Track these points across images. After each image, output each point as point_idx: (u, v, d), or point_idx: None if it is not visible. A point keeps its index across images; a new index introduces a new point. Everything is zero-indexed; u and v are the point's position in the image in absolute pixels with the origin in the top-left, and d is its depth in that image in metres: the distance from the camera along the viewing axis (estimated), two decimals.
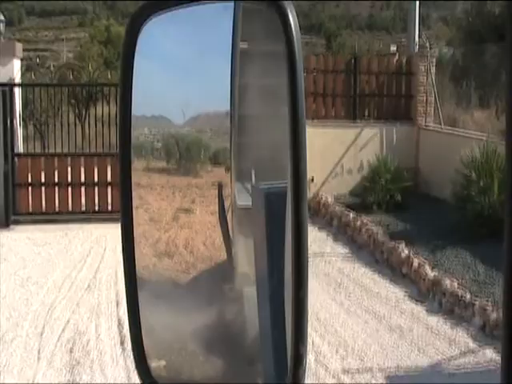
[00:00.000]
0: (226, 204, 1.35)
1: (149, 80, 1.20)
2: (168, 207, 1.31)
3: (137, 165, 1.25)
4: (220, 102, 1.30)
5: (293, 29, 0.91)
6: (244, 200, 1.29)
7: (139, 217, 1.21)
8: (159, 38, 1.18)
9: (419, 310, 7.47)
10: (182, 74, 1.26)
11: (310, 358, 6.25)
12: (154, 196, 1.29)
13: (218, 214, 1.36)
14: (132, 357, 1.12)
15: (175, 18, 1.12)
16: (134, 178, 1.14)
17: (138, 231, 1.19)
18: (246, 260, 1.27)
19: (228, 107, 1.31)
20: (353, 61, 13.46)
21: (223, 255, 1.36)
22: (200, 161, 1.43)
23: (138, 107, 1.16)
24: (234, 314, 1.31)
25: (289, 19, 0.92)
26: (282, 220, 0.99)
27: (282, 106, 0.95)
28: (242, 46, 1.34)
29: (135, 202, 1.14)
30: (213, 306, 1.30)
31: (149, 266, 1.26)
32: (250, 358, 1.18)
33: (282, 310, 0.99)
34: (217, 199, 1.37)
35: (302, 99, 0.92)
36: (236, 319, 1.30)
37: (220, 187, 1.36)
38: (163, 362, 1.22)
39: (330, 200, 11.90)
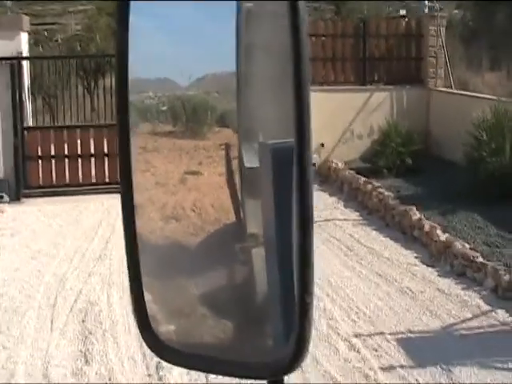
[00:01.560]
0: (234, 165, 1.32)
1: (150, 41, 1.17)
2: (175, 170, 1.29)
3: (142, 128, 1.24)
4: (226, 61, 1.26)
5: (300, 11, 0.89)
6: (252, 161, 1.26)
7: (146, 181, 1.21)
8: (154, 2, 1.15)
9: (430, 272, 7.44)
10: (185, 34, 1.22)
11: (322, 323, 6.25)
12: (160, 159, 1.27)
13: (225, 176, 1.34)
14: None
15: None
16: (140, 143, 1.12)
17: (144, 196, 1.18)
18: (255, 220, 1.25)
19: (234, 67, 1.27)
20: (362, 25, 13.28)
21: (232, 217, 1.32)
22: (207, 123, 1.40)
23: (141, 70, 1.13)
24: (244, 276, 1.28)
25: None
26: (289, 176, 0.97)
27: (290, 64, 0.94)
28: (248, 4, 1.30)
29: (141, 166, 1.13)
30: (221, 268, 1.29)
31: (156, 231, 1.26)
32: (260, 318, 1.16)
33: (291, 269, 0.98)
34: (224, 160, 1.35)
35: (306, 58, 0.90)
36: (245, 280, 1.28)
37: (227, 148, 1.34)
38: (172, 327, 1.22)
39: (340, 165, 11.83)
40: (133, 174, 1.11)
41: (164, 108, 1.31)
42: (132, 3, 1.08)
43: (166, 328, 1.28)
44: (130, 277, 1.12)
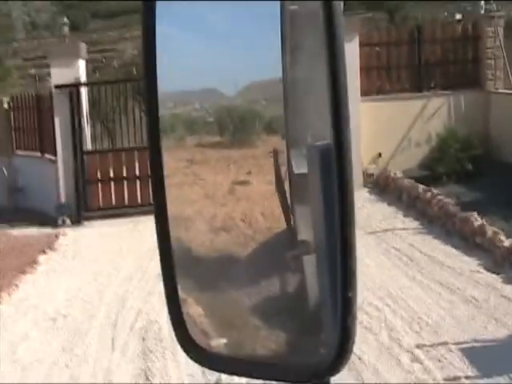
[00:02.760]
0: (283, 171, 1.31)
1: (190, 52, 1.14)
2: (223, 181, 1.27)
3: (189, 141, 1.23)
4: (271, 68, 1.23)
5: (335, 11, 0.87)
6: (301, 167, 1.24)
7: (194, 194, 1.19)
8: (190, 6, 1.11)
9: (495, 279, 7.19)
10: (229, 42, 1.19)
11: (384, 334, 6.11)
12: (208, 171, 1.25)
13: (274, 183, 1.32)
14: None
15: None
16: (187, 155, 1.09)
17: (193, 208, 1.17)
18: (305, 227, 1.23)
19: (280, 73, 1.25)
20: (416, 31, 13.07)
21: (282, 224, 1.32)
22: (255, 131, 1.38)
23: (185, 82, 1.11)
24: (296, 284, 1.27)
25: None
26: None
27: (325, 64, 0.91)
28: (292, 7, 1.28)
29: (189, 179, 1.11)
30: (273, 278, 1.27)
31: (205, 243, 1.24)
32: (311, 322, 1.15)
33: None
34: (273, 168, 1.33)
35: (342, 59, 0.88)
36: (297, 287, 1.27)
37: (276, 154, 1.32)
38: (224, 340, 1.19)
39: (398, 174, 11.63)
40: (167, 188, 1.07)
41: (211, 119, 1.27)
42: (162, 6, 1.03)
43: (217, 342, 1.25)
44: (166, 290, 1.09)
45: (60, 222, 11.58)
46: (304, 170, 1.18)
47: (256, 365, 1.06)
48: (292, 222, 1.32)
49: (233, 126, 1.34)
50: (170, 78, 1.08)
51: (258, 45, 1.19)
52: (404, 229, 9.47)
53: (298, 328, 1.18)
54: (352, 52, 11.86)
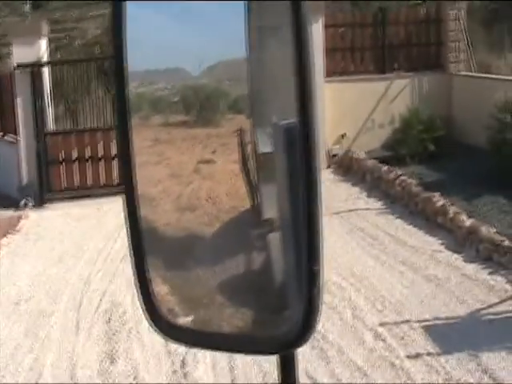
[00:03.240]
0: (248, 150, 1.32)
1: (158, 31, 1.14)
2: (189, 160, 1.27)
3: (155, 120, 1.22)
4: (237, 48, 1.23)
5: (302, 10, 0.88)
6: (266, 145, 1.26)
7: (159, 173, 1.19)
8: None
9: (456, 258, 7.32)
10: (195, 22, 1.18)
11: (348, 313, 6.19)
12: (173, 151, 1.26)
13: (239, 162, 1.33)
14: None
15: None
16: (153, 135, 1.10)
17: (158, 188, 1.17)
18: (271, 205, 1.25)
19: (245, 53, 1.25)
20: (380, 13, 13.12)
21: (247, 203, 1.33)
22: (220, 110, 1.39)
23: (151, 61, 1.10)
24: (261, 261, 1.27)
25: None
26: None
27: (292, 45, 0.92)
28: None
29: (154, 159, 1.11)
30: (239, 256, 1.27)
31: (171, 222, 1.24)
32: (275, 298, 1.15)
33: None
34: (238, 146, 1.33)
35: (307, 38, 0.88)
36: (263, 266, 1.27)
37: (241, 133, 1.32)
38: (190, 318, 1.20)
39: (362, 155, 11.72)
40: (136, 169, 1.08)
41: (176, 99, 1.29)
42: None
43: (184, 320, 1.25)
44: (135, 269, 1.09)
45: (22, 204, 11.41)
46: (269, 149, 1.19)
47: (223, 338, 1.06)
48: (257, 201, 1.33)
49: (198, 105, 1.35)
50: (134, 57, 1.06)
51: (223, 24, 1.19)
52: (368, 209, 9.57)
53: (265, 303, 1.18)
54: (316, 33, 11.87)
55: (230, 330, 1.17)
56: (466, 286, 6.57)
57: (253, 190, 1.33)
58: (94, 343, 6.09)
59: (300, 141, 0.89)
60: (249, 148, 1.32)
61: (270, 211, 1.25)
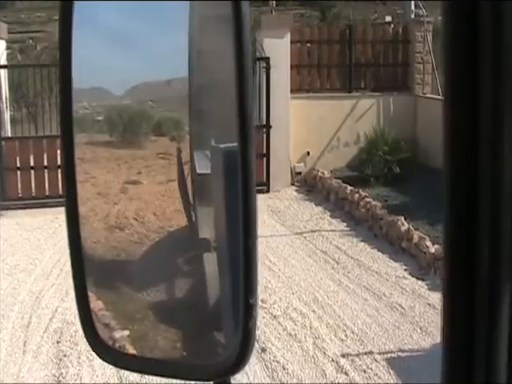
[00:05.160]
0: (186, 171, 1.34)
1: (86, 52, 1.15)
2: (115, 180, 1.29)
3: (79, 139, 1.21)
4: (161, 70, 1.23)
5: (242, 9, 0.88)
6: (204, 167, 1.27)
7: (87, 192, 1.19)
8: (99, 8, 1.12)
9: (420, 286, 7.19)
10: (125, 45, 1.19)
11: (309, 342, 5.99)
12: (99, 170, 1.27)
13: (169, 183, 1.35)
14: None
15: None
16: (78, 153, 1.10)
17: (86, 206, 1.16)
18: (207, 225, 1.27)
19: (168, 76, 1.27)
20: (347, 31, 13.05)
21: (176, 224, 1.35)
22: (143, 132, 1.42)
23: (75, 79, 1.09)
24: (195, 281, 1.30)
25: None
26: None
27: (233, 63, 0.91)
28: (201, 11, 1.29)
29: (81, 177, 1.12)
30: (173, 276, 1.29)
31: (100, 240, 1.26)
32: (210, 321, 1.17)
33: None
34: (163, 169, 1.36)
35: (248, 61, 0.89)
36: (197, 287, 1.29)
37: (179, 153, 1.34)
38: (126, 332, 1.28)
39: (326, 174, 11.58)
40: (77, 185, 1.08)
41: (99, 118, 1.32)
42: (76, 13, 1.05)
43: (120, 334, 1.40)
44: (76, 289, 1.09)
45: None
46: (207, 171, 1.20)
47: (159, 363, 1.08)
48: (193, 220, 1.34)
49: (122, 126, 1.41)
50: None
51: (148, 46, 1.20)
52: (331, 230, 9.41)
53: (200, 328, 1.20)
54: (283, 48, 11.75)
55: (167, 356, 1.22)
56: (430, 316, 6.42)
57: (189, 209, 1.34)
58: (42, 366, 5.77)
59: (239, 165, 0.89)
60: (186, 168, 1.33)
61: (207, 231, 1.27)
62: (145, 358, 1.12)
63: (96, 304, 1.12)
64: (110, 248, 1.28)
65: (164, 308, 1.25)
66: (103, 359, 1.07)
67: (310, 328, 6.22)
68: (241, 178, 0.89)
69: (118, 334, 1.26)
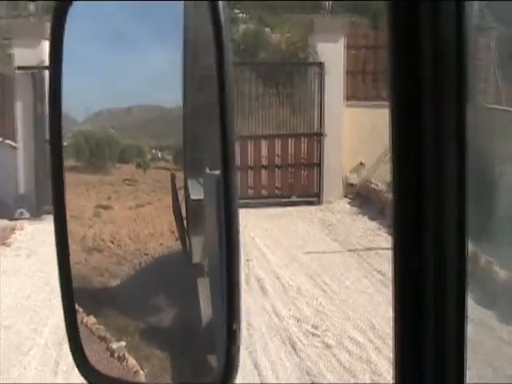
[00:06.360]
0: (180, 196, 1.37)
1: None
2: (86, 204, 1.34)
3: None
4: (123, 96, 1.26)
5: (220, 10, 0.89)
6: (198, 193, 1.30)
7: None
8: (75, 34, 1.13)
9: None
10: (84, 68, 1.21)
11: (366, 376, 5.46)
12: (69, 194, 1.22)
13: (138, 208, 1.38)
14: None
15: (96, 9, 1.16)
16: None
17: None
18: (200, 251, 1.33)
19: (132, 102, 1.34)
20: None
21: (151, 247, 1.37)
22: (110, 158, 1.60)
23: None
24: (189, 306, 1.30)
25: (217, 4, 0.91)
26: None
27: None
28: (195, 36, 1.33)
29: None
30: (165, 299, 1.34)
31: (81, 261, 1.31)
32: (208, 347, 1.15)
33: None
34: (131, 195, 1.44)
35: (229, 79, 0.90)
36: (190, 310, 1.29)
37: (173, 178, 1.38)
38: (123, 343, 1.74)
39: (380, 186, 10.99)
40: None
41: (65, 144, 1.29)
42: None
43: (117, 345, 2.12)
44: (64, 309, 1.09)
45: (17, 214, 10.74)
46: (200, 196, 1.27)
47: None
48: (188, 245, 1.37)
49: (88, 151, 1.63)
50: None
51: (115, 72, 1.24)
52: (388, 248, 8.80)
53: (187, 352, 1.24)
54: (337, 53, 11.27)
55: (154, 381, 1.41)
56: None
57: (184, 233, 1.37)
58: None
59: (222, 191, 0.89)
60: (180, 193, 1.36)
61: (199, 256, 1.33)
62: (128, 381, 1.22)
63: (88, 319, 1.22)
64: (91, 269, 1.32)
65: (154, 332, 1.29)
66: (85, 378, 1.06)
67: (369, 362, 5.67)
68: (224, 203, 0.89)
69: (115, 345, 1.38)
